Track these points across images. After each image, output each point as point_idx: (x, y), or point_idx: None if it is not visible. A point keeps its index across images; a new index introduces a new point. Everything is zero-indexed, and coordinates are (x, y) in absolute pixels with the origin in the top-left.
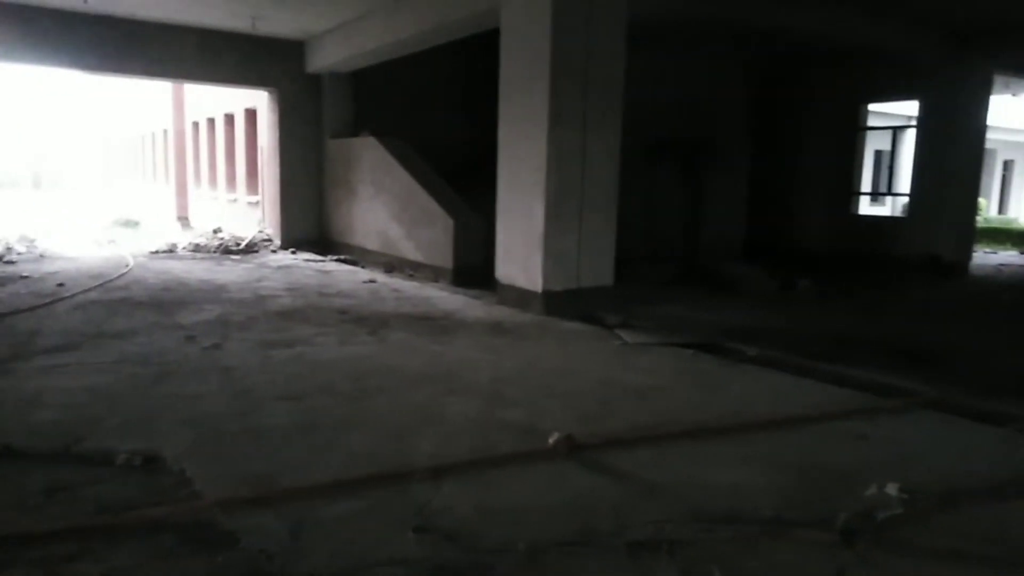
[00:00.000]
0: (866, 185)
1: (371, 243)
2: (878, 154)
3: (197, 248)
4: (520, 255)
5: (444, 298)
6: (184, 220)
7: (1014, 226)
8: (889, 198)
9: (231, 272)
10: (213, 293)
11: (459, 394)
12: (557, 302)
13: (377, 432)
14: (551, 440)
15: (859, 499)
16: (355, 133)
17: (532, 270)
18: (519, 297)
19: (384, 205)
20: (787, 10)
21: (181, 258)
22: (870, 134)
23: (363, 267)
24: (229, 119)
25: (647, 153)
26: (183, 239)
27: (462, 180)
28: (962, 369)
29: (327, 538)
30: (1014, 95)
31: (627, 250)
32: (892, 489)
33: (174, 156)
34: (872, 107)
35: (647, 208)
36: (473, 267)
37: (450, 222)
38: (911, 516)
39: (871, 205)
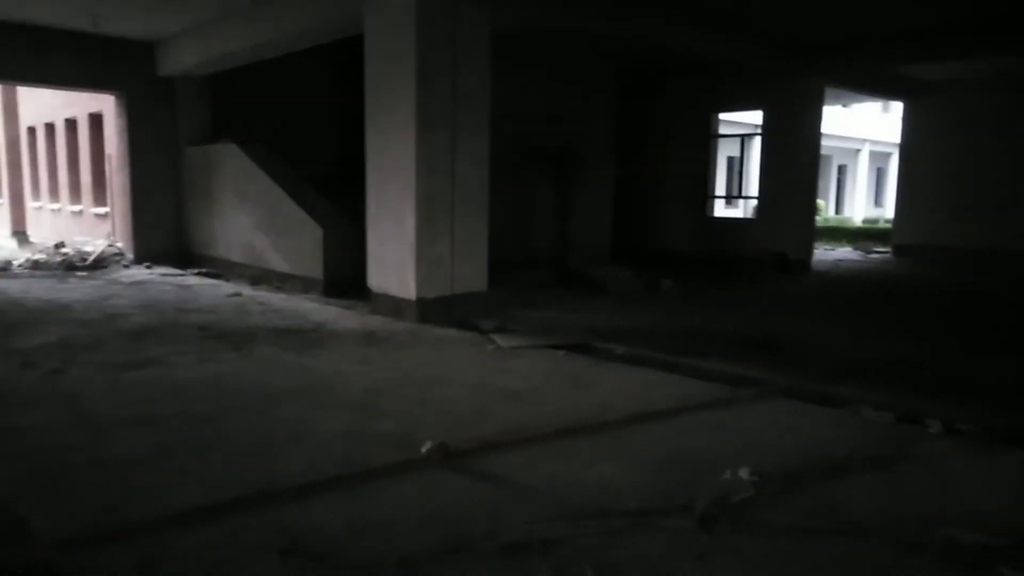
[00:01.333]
0: (721, 189)
1: (236, 255)
2: (731, 160)
3: (36, 265)
4: (392, 263)
5: (315, 309)
6: (21, 235)
7: (849, 225)
8: (741, 201)
9: (76, 290)
10: (55, 313)
11: (330, 408)
12: (431, 309)
13: (240, 453)
14: (424, 449)
15: (716, 485)
16: (215, 140)
17: (405, 278)
18: (393, 306)
19: (248, 215)
20: (643, 24)
21: (17, 276)
22: (725, 141)
23: (227, 280)
24: (71, 124)
25: (519, 161)
26: (20, 255)
27: (335, 187)
28: (807, 357)
29: (183, 570)
30: (844, 106)
31: (502, 256)
32: (744, 473)
33: (6, 165)
34: (724, 116)
35: (521, 214)
36: (345, 277)
37: (319, 231)
38: (762, 498)
39: (727, 208)
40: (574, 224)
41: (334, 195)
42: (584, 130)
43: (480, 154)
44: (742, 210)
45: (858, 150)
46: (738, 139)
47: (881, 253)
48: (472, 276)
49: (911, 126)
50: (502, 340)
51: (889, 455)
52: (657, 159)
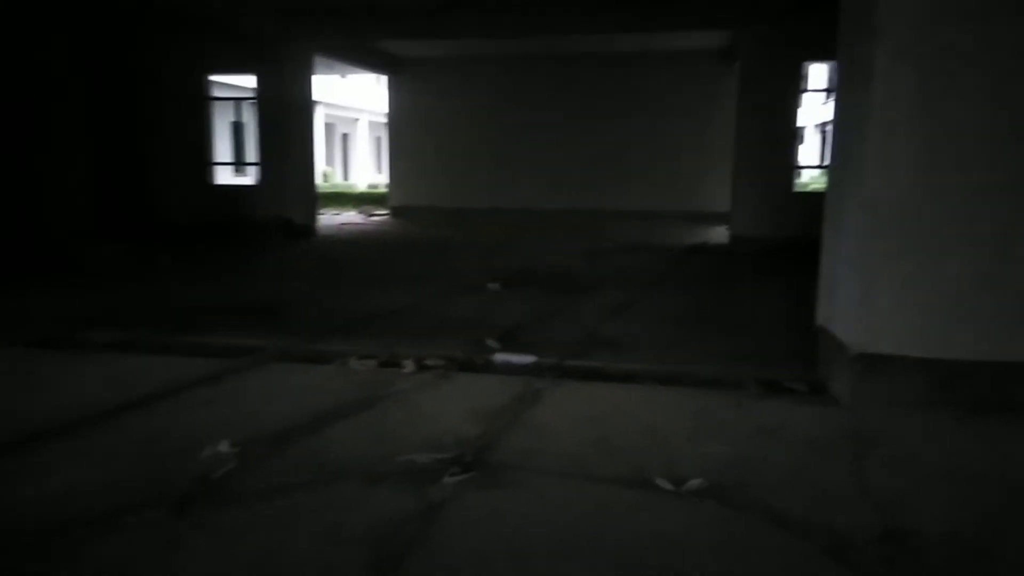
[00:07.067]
0: (228, 155)
1: None
2: (235, 125)
3: None
4: None
5: None
6: None
7: (354, 190)
8: (253, 167)
9: None
10: None
11: None
12: None
13: None
14: None
15: (196, 464)
16: None
17: None
18: None
19: None
20: None
21: None
22: (230, 106)
23: None
24: None
25: None
26: None
27: None
28: (303, 318)
29: None
30: (342, 76)
31: None
32: (224, 446)
33: None
34: (226, 80)
35: None
36: None
37: None
38: (247, 466)
39: (236, 175)
40: (40, 197)
41: None
42: (40, 86)
43: None
44: (252, 177)
45: (357, 119)
46: (235, 104)
47: (381, 216)
48: None
49: (395, 98)
50: None
51: (369, 398)
52: (150, 123)
